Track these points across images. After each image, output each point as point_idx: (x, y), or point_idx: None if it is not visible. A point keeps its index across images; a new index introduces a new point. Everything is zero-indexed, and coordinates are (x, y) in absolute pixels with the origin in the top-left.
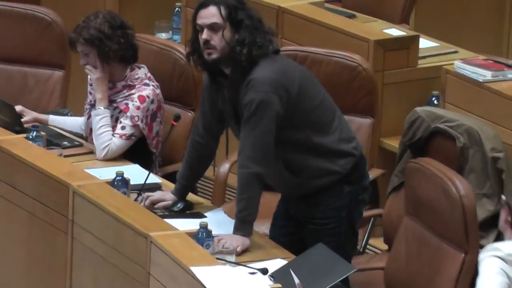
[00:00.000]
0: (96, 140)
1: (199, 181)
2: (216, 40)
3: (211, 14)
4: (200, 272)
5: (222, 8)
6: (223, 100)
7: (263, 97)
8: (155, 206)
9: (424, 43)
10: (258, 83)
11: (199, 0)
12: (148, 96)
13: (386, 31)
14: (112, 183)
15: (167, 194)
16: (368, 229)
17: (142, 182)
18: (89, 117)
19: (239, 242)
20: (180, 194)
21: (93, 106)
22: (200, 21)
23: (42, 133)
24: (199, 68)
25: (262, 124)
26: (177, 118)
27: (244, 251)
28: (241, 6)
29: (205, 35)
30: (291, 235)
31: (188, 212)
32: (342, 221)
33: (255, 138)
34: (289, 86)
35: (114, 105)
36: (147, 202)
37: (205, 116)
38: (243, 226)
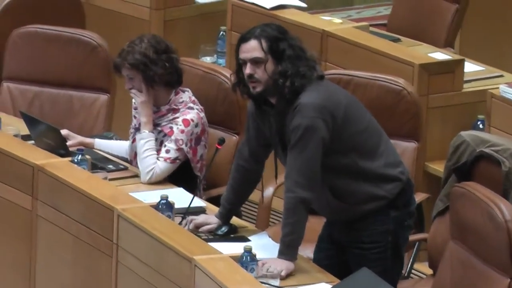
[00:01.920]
0: (140, 163)
1: (244, 205)
2: (260, 74)
3: (252, 48)
4: None
5: (263, 42)
6: (270, 128)
7: (309, 122)
8: (199, 230)
9: (469, 67)
10: (304, 108)
11: (243, 28)
12: (192, 120)
13: (431, 55)
14: (156, 206)
15: (211, 218)
16: (413, 253)
17: (187, 205)
18: (134, 140)
19: (284, 266)
20: (225, 218)
21: (137, 129)
22: (242, 55)
23: (87, 156)
24: (245, 97)
25: (308, 149)
26: (221, 141)
27: (289, 275)
28: (282, 36)
29: (248, 69)
30: (335, 257)
31: (232, 235)
32: (388, 246)
33: (301, 163)
34: (335, 111)
35: (159, 128)
36: (191, 225)
37: (250, 142)
38: (288, 250)
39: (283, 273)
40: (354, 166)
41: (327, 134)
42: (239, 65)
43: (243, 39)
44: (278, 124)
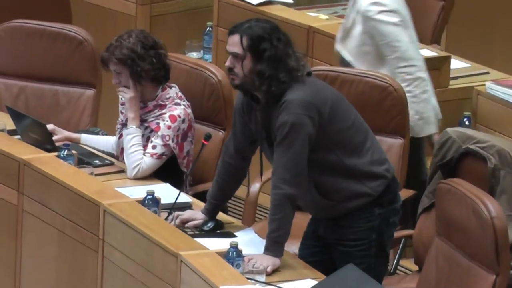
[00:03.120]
0: (127, 159)
1: (230, 201)
2: (238, 68)
3: (234, 43)
4: None
5: (244, 38)
6: (256, 123)
7: (295, 119)
8: (185, 225)
9: (456, 63)
10: (290, 105)
11: (230, 24)
12: (179, 116)
13: None
14: (142, 202)
15: (197, 214)
16: (399, 250)
17: (173, 201)
18: (121, 136)
19: (270, 262)
20: (211, 214)
21: (124, 125)
22: (227, 47)
23: (74, 151)
24: (234, 88)
25: (294, 146)
26: (207, 137)
27: (274, 271)
28: (268, 36)
29: (228, 62)
30: (320, 254)
31: (218, 231)
32: (373, 243)
33: (288, 160)
34: (321, 107)
35: (146, 124)
36: (177, 221)
37: (236, 138)
38: (274, 246)
39: (269, 269)
40: (340, 163)
41: (313, 131)
42: None
43: (230, 31)
44: (263, 119)
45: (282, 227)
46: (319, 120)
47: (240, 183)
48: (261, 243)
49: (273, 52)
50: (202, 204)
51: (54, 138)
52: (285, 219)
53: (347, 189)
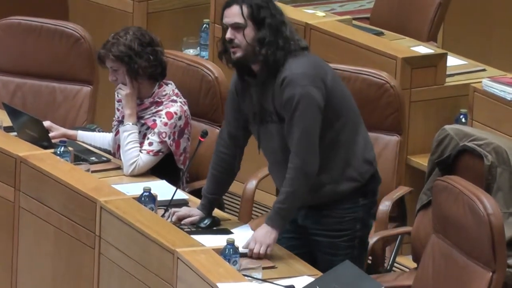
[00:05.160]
0: (123, 156)
1: (226, 198)
2: (239, 39)
3: (233, 14)
4: None
5: (244, 7)
6: (250, 101)
7: (302, 91)
8: (182, 222)
9: (452, 61)
10: (294, 79)
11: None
12: (175, 113)
13: (413, 48)
14: (139, 199)
15: (194, 210)
16: (396, 246)
17: (169, 198)
18: (117, 133)
19: (267, 241)
20: (207, 210)
21: (121, 122)
22: (224, 20)
23: (70, 148)
24: (230, 66)
25: (306, 118)
26: (204, 134)
27: (271, 268)
28: (265, 4)
29: (228, 34)
30: (299, 248)
31: (215, 228)
32: (357, 234)
33: (300, 133)
34: (324, 78)
35: (142, 121)
36: (173, 217)
37: (230, 125)
38: (275, 217)
39: (268, 250)
40: (336, 139)
41: (322, 101)
42: (224, 33)
43: (227, 4)
44: (259, 94)
45: (289, 201)
46: (324, 90)
47: (234, 175)
48: None
49: (272, 19)
50: (198, 201)
51: (51, 135)
52: (294, 195)
53: (337, 170)
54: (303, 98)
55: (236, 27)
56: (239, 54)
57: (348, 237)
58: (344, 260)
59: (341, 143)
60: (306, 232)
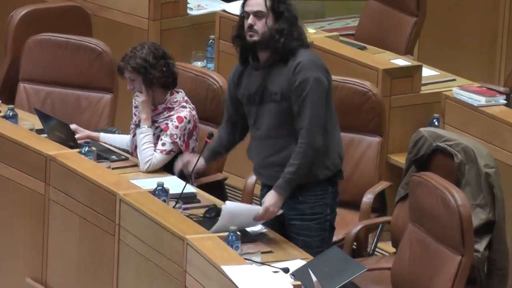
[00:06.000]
0: (140, 154)
1: (229, 191)
2: (259, 26)
3: (257, 3)
4: (230, 270)
5: (267, 0)
6: (247, 84)
7: (316, 75)
8: (186, 168)
9: (426, 72)
10: (308, 65)
11: (230, 36)
12: (185, 117)
13: (393, 61)
14: (153, 192)
15: (196, 156)
16: (377, 234)
17: (180, 191)
18: (134, 135)
19: (277, 203)
20: (208, 158)
21: (137, 125)
22: (247, 8)
23: (93, 148)
24: (238, 50)
25: (317, 100)
26: (210, 135)
27: (268, 252)
28: (283, 0)
29: (250, 20)
30: (277, 232)
31: (219, 218)
32: (327, 217)
33: (311, 112)
34: (327, 71)
35: (156, 125)
36: (178, 164)
37: (228, 111)
38: (285, 185)
39: (277, 212)
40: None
41: (328, 89)
42: (241, 20)
43: None
44: (263, 76)
45: (297, 172)
46: (328, 82)
47: (235, 137)
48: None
49: (289, 13)
50: (206, 195)
51: (76, 136)
52: (302, 166)
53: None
54: (316, 82)
55: (258, 15)
56: (255, 38)
57: (320, 220)
58: (317, 242)
59: (326, 133)
60: (282, 218)
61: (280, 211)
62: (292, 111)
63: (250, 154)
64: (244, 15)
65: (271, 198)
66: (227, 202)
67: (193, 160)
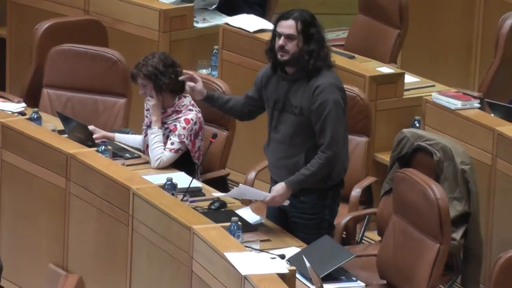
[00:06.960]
0: (151, 153)
1: (231, 186)
2: (290, 47)
3: (289, 26)
4: (232, 257)
5: (298, 23)
6: (274, 90)
7: (335, 98)
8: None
9: (408, 78)
10: (328, 87)
11: (232, 47)
12: (192, 119)
13: (378, 69)
14: (163, 186)
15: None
16: (364, 224)
17: (187, 186)
18: (146, 135)
19: (284, 195)
20: (210, 95)
21: (149, 126)
22: (279, 29)
23: (109, 147)
24: (270, 61)
25: (337, 120)
26: (214, 136)
27: (266, 241)
28: (313, 22)
29: (281, 41)
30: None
31: (222, 209)
32: (325, 217)
33: (332, 131)
34: (344, 90)
35: (165, 126)
36: (187, 86)
37: (247, 97)
38: (295, 183)
39: (283, 202)
40: None
41: (345, 109)
42: (274, 36)
43: (283, 17)
44: (288, 88)
45: (311, 178)
46: (344, 104)
47: (239, 108)
48: (256, 218)
49: (319, 35)
50: (211, 189)
51: (94, 136)
52: (317, 174)
53: None
54: (335, 104)
55: (289, 37)
56: (286, 58)
57: (318, 220)
58: (316, 239)
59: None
60: (285, 215)
61: (287, 202)
62: (307, 125)
63: (267, 151)
64: (276, 34)
65: (280, 188)
66: (240, 184)
67: (197, 85)
